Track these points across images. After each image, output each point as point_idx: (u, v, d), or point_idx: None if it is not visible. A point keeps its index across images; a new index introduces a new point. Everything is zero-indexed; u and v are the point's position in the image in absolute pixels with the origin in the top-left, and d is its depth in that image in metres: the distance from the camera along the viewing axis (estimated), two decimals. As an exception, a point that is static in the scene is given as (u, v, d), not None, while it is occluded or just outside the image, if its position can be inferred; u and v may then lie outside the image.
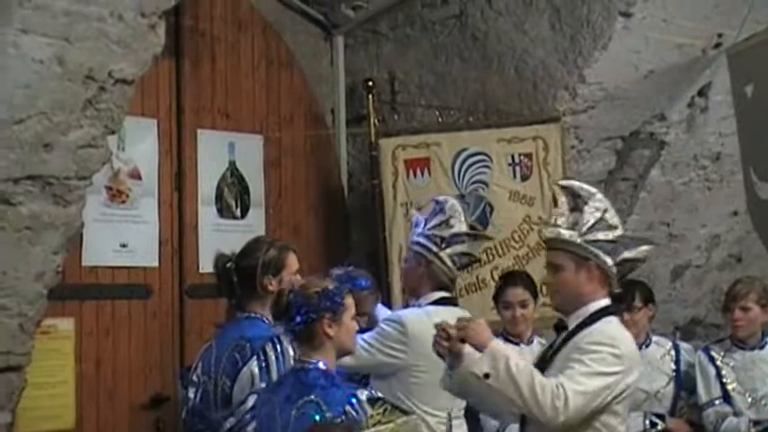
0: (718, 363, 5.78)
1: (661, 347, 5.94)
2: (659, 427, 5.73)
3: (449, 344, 3.87)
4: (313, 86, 6.71)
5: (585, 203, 4.14)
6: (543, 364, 4.13)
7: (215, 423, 4.59)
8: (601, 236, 4.12)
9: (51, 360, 5.22)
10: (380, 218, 6.34)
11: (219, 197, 6.12)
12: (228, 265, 4.68)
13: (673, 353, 5.94)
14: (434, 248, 5.08)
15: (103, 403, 5.49)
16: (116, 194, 5.62)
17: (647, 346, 5.86)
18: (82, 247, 5.39)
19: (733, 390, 5.75)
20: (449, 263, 5.08)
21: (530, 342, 5.71)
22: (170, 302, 5.80)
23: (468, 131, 6.44)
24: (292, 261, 4.69)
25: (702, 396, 5.77)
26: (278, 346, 4.44)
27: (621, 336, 4.09)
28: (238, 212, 6.20)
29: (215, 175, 6.12)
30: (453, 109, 6.60)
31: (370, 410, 3.78)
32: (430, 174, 6.38)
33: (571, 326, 4.14)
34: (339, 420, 3.83)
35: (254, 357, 4.44)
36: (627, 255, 4.18)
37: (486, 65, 6.53)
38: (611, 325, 4.11)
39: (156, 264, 5.76)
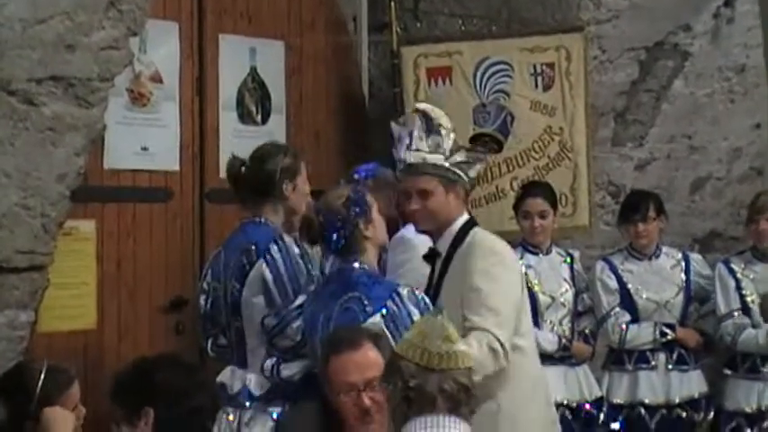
0: (738, 275, 5.80)
1: (671, 258, 5.95)
2: (669, 337, 5.77)
3: None
4: (335, -8, 6.67)
5: (440, 125, 4.20)
6: (432, 292, 4.25)
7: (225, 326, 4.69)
8: (459, 157, 4.23)
9: (73, 261, 5.26)
10: (401, 126, 6.33)
11: (240, 102, 6.10)
12: (243, 169, 4.71)
13: (683, 263, 5.95)
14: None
15: (124, 304, 5.55)
16: (137, 97, 5.61)
17: (657, 257, 5.90)
18: (103, 150, 5.40)
19: (752, 302, 5.78)
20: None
21: (548, 252, 5.75)
22: (190, 206, 5.82)
23: (490, 40, 6.40)
24: (304, 167, 4.79)
25: (721, 307, 5.80)
26: (282, 246, 4.52)
27: (499, 243, 4.23)
28: (259, 118, 6.19)
29: (236, 80, 6.09)
30: (476, 17, 6.56)
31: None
32: (451, 82, 6.36)
33: (443, 248, 4.26)
34: (379, 318, 3.92)
35: (261, 259, 4.52)
36: (471, 174, 4.32)
37: (510, -28, 6.47)
38: (485, 235, 4.25)
39: (176, 167, 5.77)
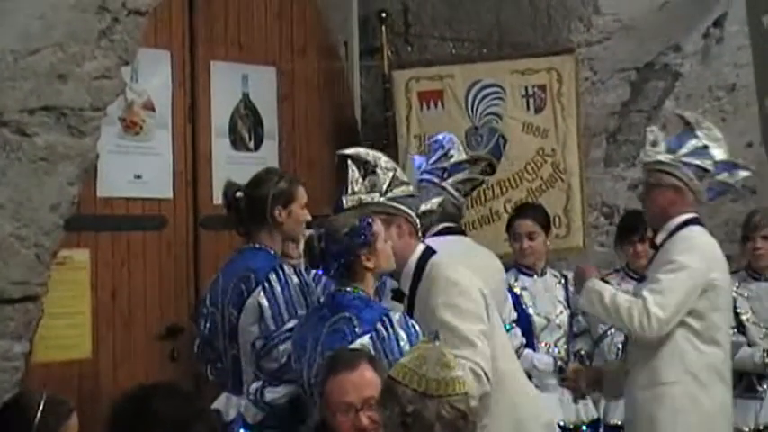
0: (734, 294, 5.79)
1: None
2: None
3: None
4: (326, 18, 6.67)
5: (375, 167, 4.29)
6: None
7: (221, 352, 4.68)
8: (399, 192, 4.27)
9: (67, 290, 5.26)
10: (394, 150, 6.34)
11: (233, 129, 6.12)
12: (238, 194, 4.71)
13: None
14: (437, 180, 5.08)
15: (119, 333, 5.54)
16: (130, 126, 5.62)
17: None
18: (97, 179, 5.41)
19: (747, 320, 5.79)
20: (453, 192, 5.08)
21: (543, 273, 5.75)
22: (184, 234, 5.82)
23: (481, 63, 6.43)
24: (302, 193, 4.73)
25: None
26: (281, 275, 4.50)
27: (456, 272, 4.19)
28: (252, 145, 6.20)
29: (228, 107, 6.11)
30: (467, 40, 6.58)
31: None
32: (443, 106, 6.38)
33: (406, 286, 4.27)
34: (367, 339, 3.90)
35: (259, 287, 4.50)
36: (423, 207, 4.48)
37: (500, -5, 6.49)
38: (441, 266, 4.23)
39: (170, 195, 5.78)
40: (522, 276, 5.67)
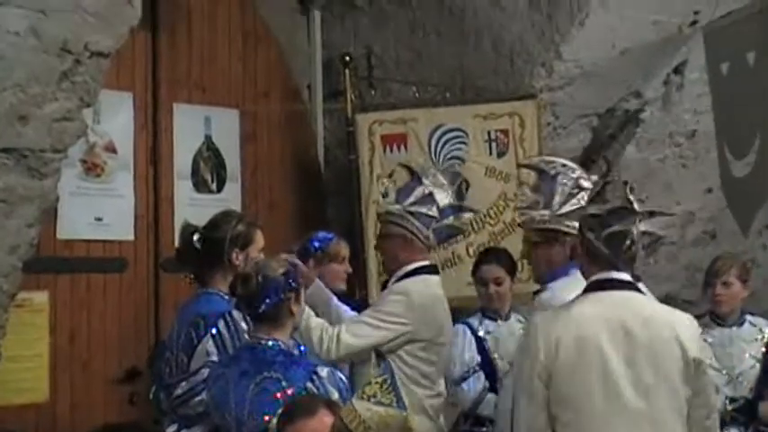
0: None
1: None
2: None
3: None
4: (289, 61, 6.69)
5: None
6: None
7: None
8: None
9: (26, 333, 5.22)
10: (357, 193, 6.35)
11: (195, 171, 6.11)
12: (195, 236, 4.68)
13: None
14: (425, 231, 5.07)
15: (77, 377, 5.49)
16: (91, 168, 5.60)
17: None
18: (57, 221, 5.38)
19: (710, 366, 5.77)
20: (431, 237, 5.09)
21: (507, 318, 5.74)
22: (145, 276, 5.79)
23: (444, 107, 6.44)
24: (259, 238, 4.72)
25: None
26: (230, 323, 4.46)
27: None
28: (214, 187, 6.19)
29: (191, 149, 6.11)
30: (430, 85, 6.60)
31: (370, 377, 3.69)
32: (407, 149, 6.38)
33: None
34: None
35: (208, 334, 4.46)
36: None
37: (462, 41, 6.52)
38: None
39: (131, 237, 5.75)
40: (486, 321, 5.67)
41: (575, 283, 4.07)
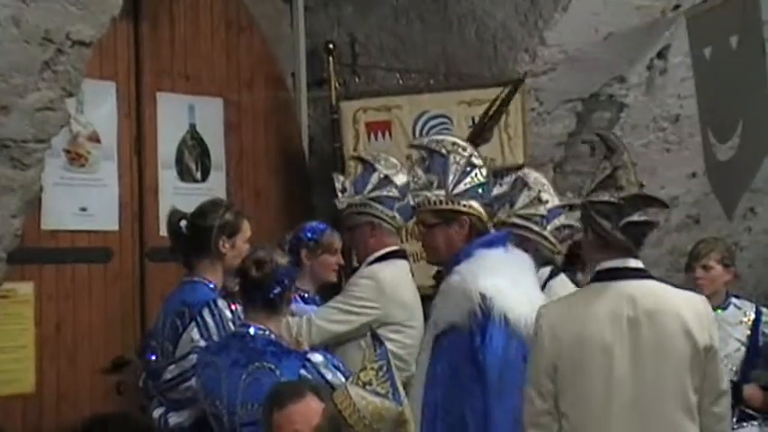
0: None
1: None
2: None
3: None
4: (273, 49, 6.67)
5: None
6: None
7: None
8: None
9: (11, 324, 5.20)
10: (342, 181, 6.34)
11: (180, 160, 6.09)
12: (182, 222, 4.69)
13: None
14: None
15: (64, 367, 5.47)
16: (75, 158, 5.58)
17: None
18: (41, 211, 5.35)
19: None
20: (397, 217, 5.12)
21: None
22: (131, 266, 5.77)
23: (428, 94, 6.43)
24: (246, 227, 4.75)
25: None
26: (215, 311, 4.48)
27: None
28: (199, 175, 6.17)
29: (175, 138, 6.08)
30: (414, 71, 6.59)
31: (365, 362, 3.56)
32: (391, 136, 6.37)
33: None
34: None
35: (193, 323, 4.48)
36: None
37: (446, 27, 6.52)
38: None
39: (116, 227, 5.73)
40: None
41: (486, 263, 4.09)
